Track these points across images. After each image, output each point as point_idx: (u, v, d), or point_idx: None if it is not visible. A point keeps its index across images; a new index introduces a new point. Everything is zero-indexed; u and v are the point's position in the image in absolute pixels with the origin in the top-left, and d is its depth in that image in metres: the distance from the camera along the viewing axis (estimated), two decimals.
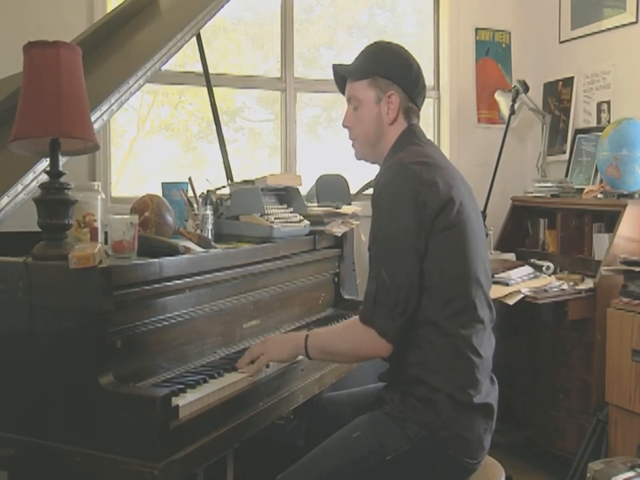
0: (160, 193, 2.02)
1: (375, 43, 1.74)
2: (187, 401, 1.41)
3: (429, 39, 3.86)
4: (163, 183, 2.11)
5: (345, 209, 2.63)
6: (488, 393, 1.58)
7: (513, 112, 3.46)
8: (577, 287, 2.86)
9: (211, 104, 2.66)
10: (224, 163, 2.71)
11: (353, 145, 1.75)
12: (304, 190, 2.96)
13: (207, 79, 2.64)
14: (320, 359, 1.75)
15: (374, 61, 1.68)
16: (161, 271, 1.53)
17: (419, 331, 1.53)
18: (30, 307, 1.42)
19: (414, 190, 1.50)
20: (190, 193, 2.05)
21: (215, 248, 1.85)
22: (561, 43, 3.76)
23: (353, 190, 3.29)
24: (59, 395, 1.40)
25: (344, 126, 1.74)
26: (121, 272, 1.42)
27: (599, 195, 3.09)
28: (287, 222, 2.15)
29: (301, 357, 1.72)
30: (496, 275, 2.92)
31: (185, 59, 3.21)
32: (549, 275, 3.04)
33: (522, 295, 2.76)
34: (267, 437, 1.97)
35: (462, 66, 3.80)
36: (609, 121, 3.39)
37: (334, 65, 1.75)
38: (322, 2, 3.70)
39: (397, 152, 1.64)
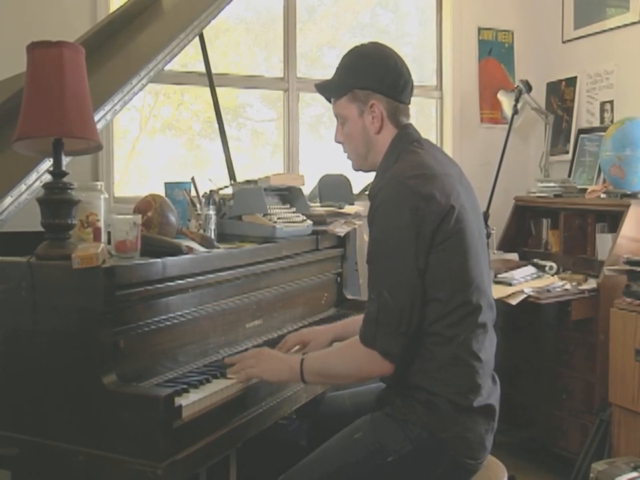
0: (163, 193, 2.02)
1: (348, 52, 1.69)
2: (190, 401, 1.41)
3: (432, 38, 3.86)
4: (165, 183, 2.11)
5: (348, 208, 2.64)
6: (489, 393, 1.57)
7: (515, 112, 3.45)
8: (580, 287, 2.85)
9: (214, 103, 2.66)
10: (227, 162, 2.71)
11: (348, 158, 1.73)
12: (306, 190, 2.96)
13: (210, 79, 2.64)
14: (317, 383, 1.71)
15: (349, 74, 1.64)
16: (164, 271, 1.54)
17: (420, 340, 1.52)
18: (33, 306, 1.42)
19: (412, 207, 1.48)
20: (193, 193, 2.05)
21: (218, 248, 1.85)
22: (563, 42, 3.76)
23: (356, 190, 3.29)
24: (62, 395, 1.40)
25: (335, 142, 1.72)
26: (124, 272, 1.43)
27: (602, 195, 3.09)
28: (289, 222, 2.15)
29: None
30: (499, 275, 2.92)
31: (186, 59, 3.21)
32: (552, 275, 3.04)
33: (525, 295, 2.76)
34: (270, 437, 1.97)
35: (465, 66, 3.80)
36: (612, 121, 3.38)
37: (315, 85, 1.73)
38: (324, 2, 3.70)
39: (391, 159, 1.61)
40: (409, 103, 1.68)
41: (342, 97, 1.65)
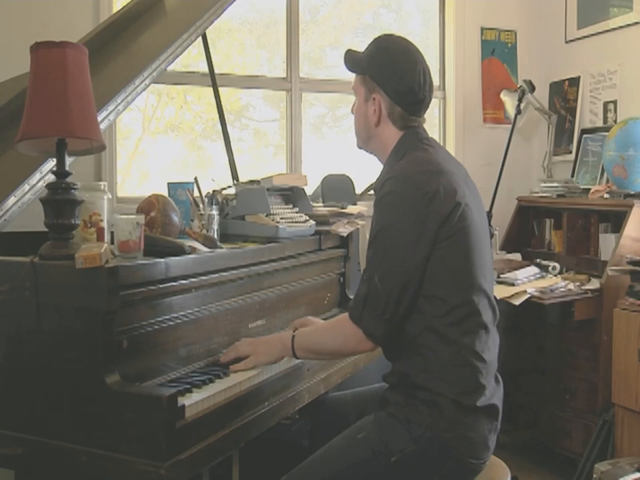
0: (166, 193, 2.02)
1: (381, 37, 1.70)
2: (193, 401, 1.41)
3: (435, 38, 3.86)
4: (168, 183, 2.11)
5: (351, 208, 2.63)
6: (492, 393, 1.57)
7: (518, 112, 3.45)
8: (583, 287, 2.85)
9: (217, 104, 2.66)
10: (229, 162, 2.71)
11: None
12: (309, 190, 2.96)
13: (213, 79, 2.64)
14: (307, 358, 1.75)
15: (368, 59, 1.67)
16: (167, 271, 1.54)
17: (421, 339, 1.53)
18: (37, 306, 1.42)
19: (416, 204, 1.49)
20: (196, 193, 2.05)
21: (221, 248, 1.85)
22: (567, 42, 3.75)
23: (359, 190, 3.29)
24: (66, 395, 1.40)
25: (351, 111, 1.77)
26: (128, 272, 1.42)
27: (605, 195, 3.08)
28: (292, 222, 2.15)
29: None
30: (502, 275, 2.92)
31: (189, 59, 3.22)
32: (555, 275, 3.04)
33: (528, 295, 2.76)
34: (272, 437, 1.97)
35: (468, 66, 3.80)
36: (615, 121, 3.38)
37: (347, 50, 1.74)
38: (327, 2, 3.70)
39: (398, 156, 1.62)
40: (416, 116, 1.66)
41: (358, 75, 1.70)
